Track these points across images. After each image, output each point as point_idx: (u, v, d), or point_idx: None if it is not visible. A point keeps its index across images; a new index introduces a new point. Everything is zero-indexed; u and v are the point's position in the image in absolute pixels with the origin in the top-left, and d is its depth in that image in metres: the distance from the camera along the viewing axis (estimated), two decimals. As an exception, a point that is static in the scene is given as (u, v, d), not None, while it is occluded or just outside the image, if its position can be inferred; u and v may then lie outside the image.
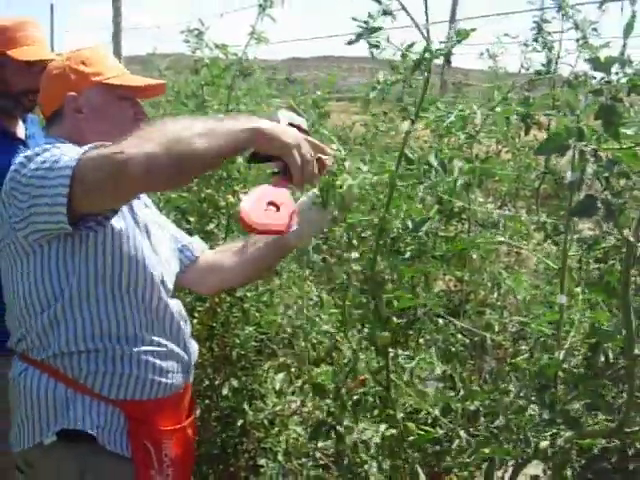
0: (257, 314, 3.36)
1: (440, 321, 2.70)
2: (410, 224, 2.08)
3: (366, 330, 2.21)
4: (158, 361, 2.19)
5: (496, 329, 2.81)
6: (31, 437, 2.13)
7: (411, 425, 2.14)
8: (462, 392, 2.00)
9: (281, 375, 3.30)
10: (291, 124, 2.17)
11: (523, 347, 2.69)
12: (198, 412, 3.83)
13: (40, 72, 3.14)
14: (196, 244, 2.64)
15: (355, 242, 2.09)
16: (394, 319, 2.08)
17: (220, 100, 3.71)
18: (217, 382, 3.66)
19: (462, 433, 1.94)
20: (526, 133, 2.77)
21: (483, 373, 2.80)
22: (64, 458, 2.11)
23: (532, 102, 2.43)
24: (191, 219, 3.54)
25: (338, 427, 2.25)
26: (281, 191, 2.08)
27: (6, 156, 2.98)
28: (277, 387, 3.26)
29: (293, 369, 3.31)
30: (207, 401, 3.76)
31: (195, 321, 3.75)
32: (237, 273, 2.57)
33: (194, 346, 2.40)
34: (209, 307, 3.49)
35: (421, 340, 3.17)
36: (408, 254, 2.12)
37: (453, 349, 2.74)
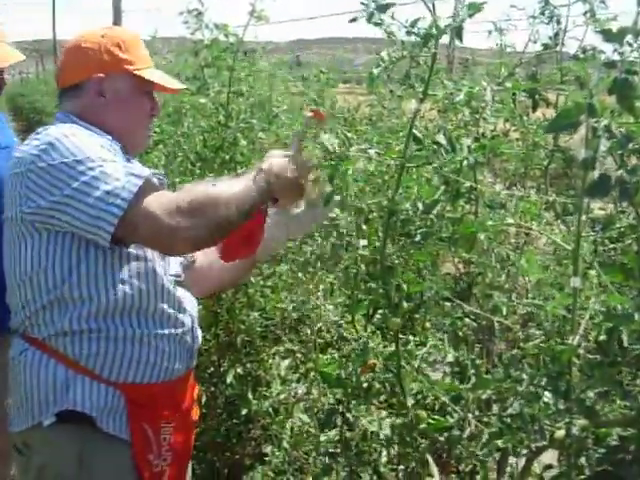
0: (262, 299, 3.31)
1: (447, 304, 2.65)
2: (420, 206, 2.02)
3: (377, 316, 2.15)
4: (161, 344, 2.17)
5: (504, 312, 2.76)
6: (30, 417, 2.12)
7: (421, 413, 2.08)
8: (473, 379, 1.94)
9: (286, 362, 3.25)
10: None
11: (531, 331, 2.64)
12: (203, 399, 3.80)
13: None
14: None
15: (364, 227, 2.03)
16: (404, 304, 2.02)
17: (222, 82, 3.64)
18: (222, 369, 3.62)
19: (474, 421, 1.88)
20: (534, 110, 2.70)
21: (492, 357, 2.75)
22: (63, 439, 2.10)
23: (539, 78, 2.37)
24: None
25: (348, 415, 2.20)
26: (259, 219, 2.24)
27: None
28: (282, 374, 3.20)
29: (299, 355, 3.26)
30: (212, 388, 3.72)
31: (200, 307, 3.71)
32: (215, 278, 2.63)
33: (198, 331, 2.37)
34: (213, 293, 3.44)
35: (427, 324, 3.13)
36: (418, 237, 2.05)
37: (460, 333, 2.69)
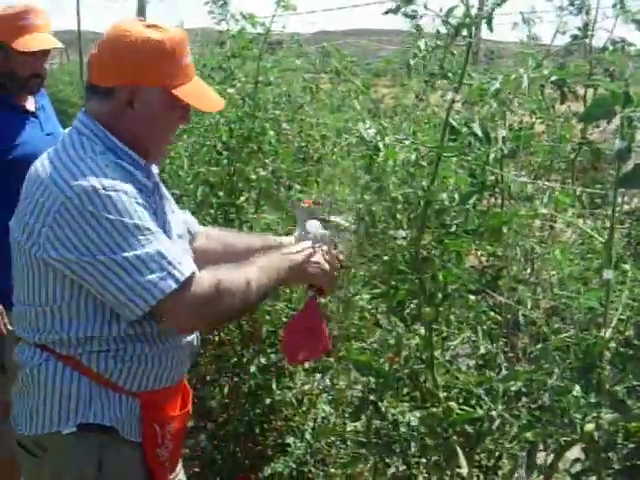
0: (287, 289, 3.30)
1: (472, 297, 2.64)
2: (457, 196, 2.01)
3: (412, 306, 2.14)
4: (177, 355, 2.25)
5: (529, 305, 2.75)
6: (47, 425, 2.14)
7: (453, 404, 2.08)
8: (504, 371, 1.93)
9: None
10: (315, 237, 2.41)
11: (557, 325, 2.63)
12: (226, 390, 3.81)
13: (43, 56, 3.34)
14: (196, 227, 2.61)
15: (399, 217, 2.02)
16: (439, 294, 2.02)
17: (247, 72, 3.64)
18: (245, 359, 3.62)
19: (505, 414, 1.87)
20: (562, 102, 2.68)
21: (516, 351, 2.74)
22: (83, 448, 2.14)
23: (568, 69, 2.35)
24: (220, 193, 3.49)
25: (379, 404, 2.20)
26: (313, 310, 2.38)
27: (19, 128, 3.36)
28: (305, 365, 3.21)
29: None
30: (235, 379, 3.73)
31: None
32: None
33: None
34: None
35: (452, 317, 3.11)
36: (454, 228, 2.04)
37: (485, 327, 2.68)
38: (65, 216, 1.97)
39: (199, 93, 2.20)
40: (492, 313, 2.76)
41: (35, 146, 3.29)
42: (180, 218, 2.45)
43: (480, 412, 1.92)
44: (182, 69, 2.14)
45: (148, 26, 2.13)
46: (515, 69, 2.15)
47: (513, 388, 1.91)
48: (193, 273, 2.03)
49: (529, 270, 2.90)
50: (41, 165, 2.12)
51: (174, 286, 1.97)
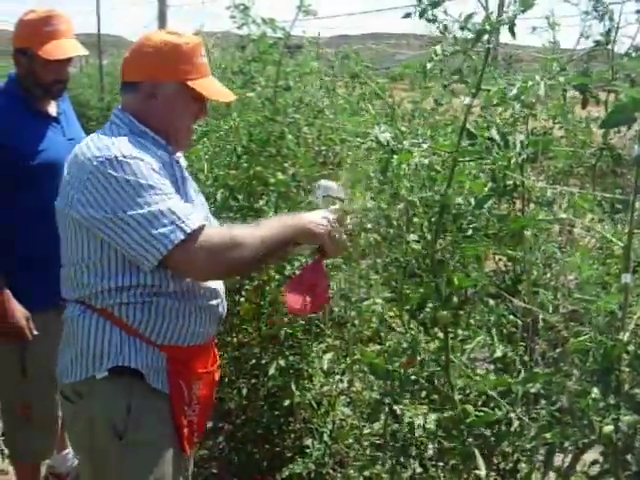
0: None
1: (491, 301, 2.64)
2: (472, 201, 2.02)
3: (427, 309, 2.15)
4: (201, 315, 2.49)
5: (550, 310, 2.75)
6: (84, 371, 2.40)
7: (469, 407, 2.09)
8: (523, 374, 1.94)
9: (329, 355, 3.26)
10: (329, 195, 2.61)
11: (577, 329, 2.62)
12: (244, 391, 3.82)
13: (67, 62, 3.35)
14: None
15: (416, 220, 2.04)
16: (455, 298, 2.03)
17: (267, 77, 3.66)
18: (263, 361, 3.64)
19: (523, 416, 1.88)
20: (583, 107, 2.68)
21: (534, 355, 2.74)
22: (114, 391, 2.39)
23: (591, 74, 2.36)
24: (239, 197, 3.51)
25: (395, 407, 2.21)
26: (318, 270, 2.53)
27: (43, 133, 3.38)
28: (324, 367, 3.22)
29: (342, 347, 3.27)
30: (253, 380, 3.74)
31: (242, 299, 3.73)
32: None
33: (225, 302, 2.66)
34: (257, 285, 3.47)
35: (471, 321, 3.12)
36: (470, 232, 2.05)
37: (505, 331, 2.68)
38: (92, 180, 2.28)
39: (211, 86, 2.55)
40: (511, 317, 2.77)
41: (57, 152, 3.31)
42: (204, 202, 2.72)
43: (499, 414, 1.92)
44: (196, 67, 2.49)
45: (168, 32, 2.53)
46: (533, 75, 2.17)
47: (532, 390, 1.92)
48: (201, 226, 2.28)
49: (548, 274, 2.90)
50: (79, 150, 2.40)
51: (182, 237, 2.24)
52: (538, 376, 1.90)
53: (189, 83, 2.47)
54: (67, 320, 2.48)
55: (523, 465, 2.49)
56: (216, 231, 2.36)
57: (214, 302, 2.54)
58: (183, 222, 2.25)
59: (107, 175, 2.26)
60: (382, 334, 3.08)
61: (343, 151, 3.81)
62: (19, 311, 3.32)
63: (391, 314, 2.76)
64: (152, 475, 2.42)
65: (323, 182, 2.72)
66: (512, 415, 1.91)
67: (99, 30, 15.48)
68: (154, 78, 2.45)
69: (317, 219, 2.46)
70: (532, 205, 2.93)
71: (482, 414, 1.98)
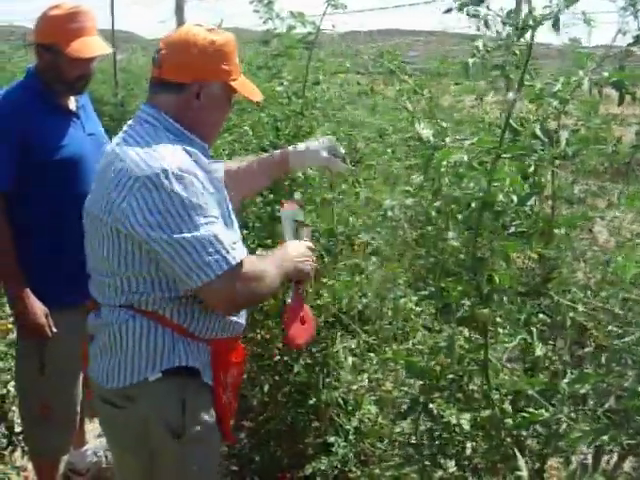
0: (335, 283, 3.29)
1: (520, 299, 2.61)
2: (515, 198, 1.99)
3: (465, 307, 2.12)
4: None
5: (580, 308, 2.72)
6: (135, 375, 2.42)
7: (507, 406, 2.06)
8: (570, 375, 1.91)
9: (354, 356, 3.25)
10: (296, 221, 2.82)
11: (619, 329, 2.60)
12: (266, 388, 3.80)
13: (92, 60, 3.32)
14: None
15: (459, 217, 2.01)
16: (495, 296, 2.00)
17: (290, 71, 3.64)
18: (286, 358, 3.61)
19: (572, 417, 1.85)
20: (619, 104, 2.65)
21: (563, 353, 2.71)
22: (167, 391, 2.43)
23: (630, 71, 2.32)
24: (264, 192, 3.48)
25: (431, 405, 2.18)
26: (299, 300, 2.74)
27: (64, 128, 3.35)
28: (352, 364, 3.20)
29: (369, 344, 3.25)
30: (276, 377, 3.71)
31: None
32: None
33: None
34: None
35: (498, 319, 3.09)
36: (512, 229, 2.03)
37: (534, 329, 2.66)
38: (144, 193, 2.25)
39: (247, 86, 2.60)
40: (541, 315, 2.74)
41: (78, 147, 3.31)
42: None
43: (547, 415, 1.90)
44: (236, 66, 2.54)
45: (209, 30, 2.51)
46: (575, 71, 2.13)
47: (582, 391, 1.89)
48: (243, 259, 2.34)
49: (579, 273, 2.88)
50: (121, 153, 2.37)
51: (225, 268, 2.28)
52: (589, 376, 1.87)
53: (231, 83, 2.51)
54: (110, 325, 2.46)
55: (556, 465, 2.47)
56: (250, 264, 2.39)
57: None
58: (228, 252, 2.30)
59: (162, 188, 2.25)
60: (408, 332, 3.06)
61: (367, 147, 3.80)
62: (39, 308, 3.30)
63: (418, 312, 2.74)
64: (209, 466, 2.55)
65: (285, 212, 2.88)
66: (561, 416, 1.88)
67: (113, 26, 15.44)
68: (202, 79, 2.45)
69: (302, 254, 2.66)
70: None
71: (529, 414, 1.95)
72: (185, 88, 2.44)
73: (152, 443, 2.45)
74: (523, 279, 2.99)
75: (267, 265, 2.49)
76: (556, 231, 2.60)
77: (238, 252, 2.34)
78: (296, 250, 2.65)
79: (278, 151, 3.01)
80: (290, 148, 2.97)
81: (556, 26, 1.94)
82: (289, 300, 2.81)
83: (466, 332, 2.31)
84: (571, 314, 2.72)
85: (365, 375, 3.08)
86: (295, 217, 2.83)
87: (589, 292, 2.89)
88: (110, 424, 2.59)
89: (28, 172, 3.23)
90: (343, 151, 2.89)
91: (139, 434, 2.45)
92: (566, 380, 1.91)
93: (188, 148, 2.39)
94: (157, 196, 2.24)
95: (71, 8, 3.27)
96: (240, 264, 2.32)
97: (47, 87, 3.34)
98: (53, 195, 3.28)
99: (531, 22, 1.96)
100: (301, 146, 2.95)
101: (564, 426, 1.90)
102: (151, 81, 2.53)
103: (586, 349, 2.87)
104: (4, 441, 4.07)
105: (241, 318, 2.60)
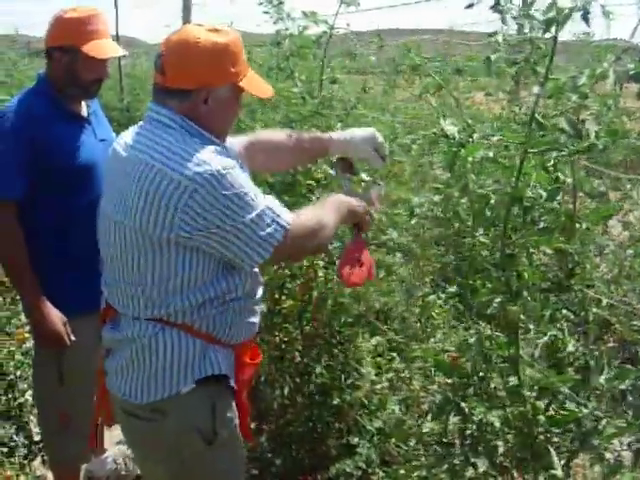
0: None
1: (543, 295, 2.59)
2: (544, 193, 1.97)
3: (495, 304, 2.10)
4: (257, 308, 2.61)
5: (604, 302, 2.71)
6: (167, 388, 2.41)
7: (539, 403, 2.04)
8: (606, 372, 1.89)
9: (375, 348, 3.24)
10: (376, 150, 2.85)
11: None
12: (286, 390, 3.78)
13: (107, 62, 3.32)
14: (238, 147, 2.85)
15: (488, 213, 1.99)
16: (525, 292, 1.98)
17: (305, 71, 3.62)
18: (306, 360, 3.60)
19: (609, 415, 1.83)
20: (639, 97, 2.63)
21: (595, 349, 2.69)
22: (200, 401, 2.43)
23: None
24: (284, 196, 3.46)
25: (462, 404, 2.16)
26: (360, 244, 2.76)
27: (77, 135, 3.32)
28: (374, 364, 3.18)
29: (393, 343, 3.23)
30: (297, 379, 3.69)
31: (284, 297, 3.69)
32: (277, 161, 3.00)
33: None
34: (305, 282, 3.43)
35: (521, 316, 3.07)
36: (542, 224, 2.01)
37: (564, 325, 2.64)
38: (198, 200, 2.25)
39: (255, 83, 2.54)
40: (565, 311, 2.72)
41: (91, 153, 3.29)
42: None
43: (585, 412, 1.88)
44: (243, 64, 2.47)
45: (210, 30, 2.41)
46: (599, 64, 2.11)
47: (621, 387, 1.87)
48: (293, 219, 2.41)
49: (602, 267, 2.86)
50: (144, 157, 2.34)
51: (283, 232, 2.36)
52: (629, 373, 1.85)
53: (241, 84, 2.45)
54: (137, 340, 2.44)
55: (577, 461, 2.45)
56: (305, 218, 2.48)
57: (261, 292, 2.66)
58: (280, 217, 2.38)
59: (215, 192, 2.26)
60: (430, 330, 3.05)
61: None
62: (56, 316, 3.26)
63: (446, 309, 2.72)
64: (237, 469, 2.60)
65: (370, 135, 2.87)
66: (599, 413, 1.86)
67: (117, 31, 15.46)
68: (208, 85, 2.39)
69: (356, 201, 2.71)
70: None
71: (567, 412, 1.93)
72: (191, 94, 2.39)
73: (184, 453, 2.44)
74: (549, 275, 2.97)
75: (322, 212, 2.56)
76: (578, 226, 2.58)
77: (286, 214, 2.41)
78: (349, 198, 2.72)
79: (320, 134, 2.96)
80: (334, 135, 2.92)
81: (586, 18, 1.91)
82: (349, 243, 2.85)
83: (488, 330, 2.29)
84: (594, 309, 2.70)
85: (389, 374, 3.06)
86: (377, 146, 2.86)
87: (612, 287, 2.88)
88: (138, 437, 2.57)
89: (40, 178, 3.20)
90: (387, 147, 2.90)
91: (171, 445, 2.44)
92: (604, 376, 1.89)
93: (219, 147, 2.41)
94: (212, 200, 2.25)
95: (87, 11, 3.27)
96: (293, 222, 2.40)
97: (59, 93, 3.31)
98: (66, 201, 3.27)
99: (557, 15, 1.94)
100: (346, 134, 2.91)
101: (603, 422, 1.88)
102: (155, 87, 2.47)
103: (609, 344, 2.86)
104: (24, 450, 4.07)
105: (256, 318, 2.62)
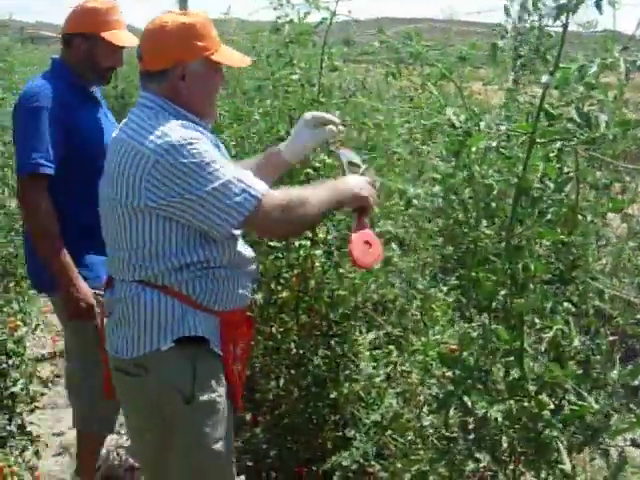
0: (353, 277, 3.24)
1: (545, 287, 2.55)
2: (551, 184, 1.93)
3: (500, 297, 2.07)
4: (244, 280, 2.71)
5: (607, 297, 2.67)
6: (149, 345, 2.57)
7: (544, 398, 2.01)
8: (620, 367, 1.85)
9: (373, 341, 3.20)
10: (350, 162, 2.87)
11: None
12: (282, 382, 3.74)
13: (121, 52, 3.60)
14: None
15: (494, 204, 1.95)
16: (531, 285, 1.94)
17: (304, 59, 3.58)
18: (302, 352, 3.56)
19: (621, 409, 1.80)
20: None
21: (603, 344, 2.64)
22: (179, 360, 2.57)
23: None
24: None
25: (465, 399, 2.12)
26: (365, 226, 2.72)
27: (96, 116, 3.60)
28: (372, 356, 3.14)
29: (389, 335, 3.20)
30: (292, 371, 3.66)
31: (280, 288, 3.65)
32: None
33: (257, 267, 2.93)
34: (300, 273, 3.39)
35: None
36: (549, 216, 1.97)
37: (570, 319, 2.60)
38: (160, 169, 2.43)
39: (229, 55, 2.73)
40: (566, 304, 2.68)
41: (108, 134, 3.34)
42: None
43: (597, 407, 1.84)
44: (212, 39, 2.65)
45: (179, 14, 2.67)
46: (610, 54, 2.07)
47: (635, 382, 1.84)
48: (267, 190, 2.52)
49: (604, 260, 2.83)
50: (124, 136, 2.57)
51: (254, 203, 2.46)
52: (643, 368, 1.81)
53: (213, 57, 2.63)
54: (123, 299, 2.62)
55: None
56: (281, 192, 2.58)
57: (253, 267, 2.78)
58: (252, 187, 2.48)
59: (175, 162, 2.42)
60: (428, 323, 3.00)
61: (377, 135, 3.73)
62: (88, 289, 3.40)
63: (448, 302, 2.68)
64: (218, 433, 2.62)
65: (342, 151, 2.93)
66: (608, 408, 1.82)
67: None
68: (180, 61, 2.58)
69: (360, 183, 2.71)
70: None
71: (578, 406, 1.90)
72: (168, 73, 2.60)
73: (165, 409, 2.58)
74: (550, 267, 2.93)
75: (309, 191, 2.65)
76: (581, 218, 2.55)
77: (260, 185, 2.50)
78: (355, 180, 2.74)
79: (270, 151, 3.05)
80: (281, 145, 3.01)
81: (599, 5, 1.87)
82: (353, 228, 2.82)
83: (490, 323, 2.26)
84: (596, 302, 2.67)
85: (388, 368, 3.02)
86: (351, 159, 2.90)
87: (614, 280, 2.84)
88: (126, 392, 2.72)
89: (68, 156, 3.38)
90: (324, 114, 2.96)
91: (153, 402, 2.60)
92: (615, 371, 1.86)
93: (185, 122, 2.55)
94: (172, 169, 2.42)
95: (107, 2, 3.55)
96: (267, 194, 2.49)
97: (80, 78, 3.54)
98: (91, 179, 3.30)
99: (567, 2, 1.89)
100: (289, 138, 3.01)
101: (615, 418, 1.85)
102: (140, 74, 2.69)
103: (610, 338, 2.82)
104: (16, 441, 4.05)
105: (246, 290, 2.72)
